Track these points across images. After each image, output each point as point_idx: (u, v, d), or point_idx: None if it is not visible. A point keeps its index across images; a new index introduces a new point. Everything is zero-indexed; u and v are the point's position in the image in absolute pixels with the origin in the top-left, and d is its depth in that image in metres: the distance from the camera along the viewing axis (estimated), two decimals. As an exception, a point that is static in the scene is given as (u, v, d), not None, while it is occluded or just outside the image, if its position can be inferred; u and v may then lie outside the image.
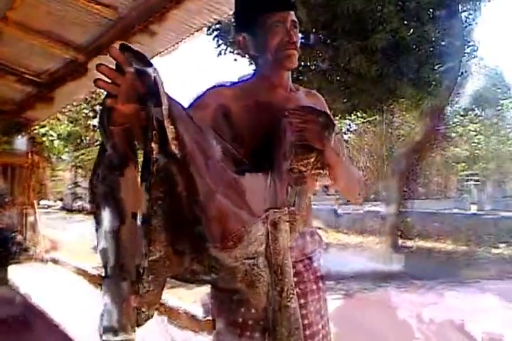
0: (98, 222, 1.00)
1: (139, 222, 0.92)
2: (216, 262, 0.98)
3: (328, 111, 1.46)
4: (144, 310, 0.95)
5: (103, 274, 0.99)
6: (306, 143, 1.25)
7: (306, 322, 1.28)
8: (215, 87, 1.38)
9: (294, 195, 1.27)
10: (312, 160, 1.29)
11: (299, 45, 1.37)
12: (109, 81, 0.99)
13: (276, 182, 1.14)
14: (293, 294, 1.11)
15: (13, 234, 6.44)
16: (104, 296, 0.97)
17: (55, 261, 7.56)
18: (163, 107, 0.93)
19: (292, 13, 1.37)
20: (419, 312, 4.57)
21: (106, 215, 0.98)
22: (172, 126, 0.93)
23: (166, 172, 0.93)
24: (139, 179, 0.95)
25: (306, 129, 1.24)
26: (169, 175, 0.93)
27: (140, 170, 0.95)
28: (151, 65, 0.96)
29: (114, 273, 0.97)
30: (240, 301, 1.10)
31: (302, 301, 1.30)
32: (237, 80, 1.45)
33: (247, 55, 1.48)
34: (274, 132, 1.22)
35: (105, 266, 0.99)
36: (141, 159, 0.98)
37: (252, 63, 1.40)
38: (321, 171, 1.35)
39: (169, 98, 0.98)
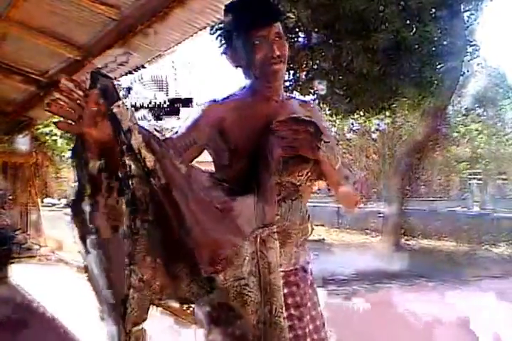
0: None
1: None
2: (208, 283, 1.03)
3: (323, 120, 1.50)
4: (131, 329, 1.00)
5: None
6: (297, 154, 1.26)
7: (300, 332, 1.31)
8: (208, 104, 1.40)
9: (287, 209, 1.29)
10: (305, 172, 1.30)
11: (286, 55, 1.36)
12: (66, 103, 0.97)
13: (263, 201, 1.15)
14: (281, 312, 1.12)
15: (15, 233, 6.46)
16: (107, 321, 1.02)
17: (58, 260, 7.57)
18: (137, 136, 0.96)
19: (276, 25, 1.35)
20: (421, 310, 4.57)
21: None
22: (150, 154, 0.97)
23: (152, 198, 0.97)
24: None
25: (295, 140, 1.24)
26: (155, 201, 0.97)
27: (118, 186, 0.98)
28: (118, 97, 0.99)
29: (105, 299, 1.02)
30: (236, 315, 1.11)
31: (298, 311, 1.33)
32: (229, 94, 1.46)
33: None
34: (260, 150, 1.22)
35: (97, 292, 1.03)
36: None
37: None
38: (315, 183, 1.36)
39: (144, 129, 1.01)
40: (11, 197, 7.91)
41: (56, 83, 5.99)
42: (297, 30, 8.35)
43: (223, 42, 1.43)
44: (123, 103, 0.98)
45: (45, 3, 4.47)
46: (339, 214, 13.64)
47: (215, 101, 1.41)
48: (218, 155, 1.38)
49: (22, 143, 8.51)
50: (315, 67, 8.82)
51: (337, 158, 1.31)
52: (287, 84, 9.47)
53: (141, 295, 1.00)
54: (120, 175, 0.98)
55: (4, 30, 5.07)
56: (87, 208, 1.02)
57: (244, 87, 1.44)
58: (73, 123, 0.99)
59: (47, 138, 16.72)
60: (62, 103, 0.97)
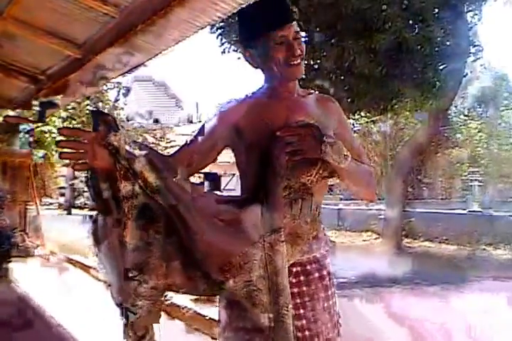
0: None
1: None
2: (220, 287, 1.14)
3: (342, 115, 1.51)
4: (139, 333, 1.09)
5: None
6: (303, 157, 1.29)
7: (312, 320, 1.37)
8: (225, 105, 1.47)
9: (298, 209, 1.32)
10: (315, 172, 1.33)
11: (304, 53, 1.41)
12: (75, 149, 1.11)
13: (271, 208, 1.21)
14: (287, 310, 1.18)
15: (13, 233, 6.43)
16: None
17: (57, 260, 7.54)
18: (139, 160, 1.08)
19: (293, 24, 1.40)
20: (423, 314, 4.53)
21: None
22: (153, 176, 1.08)
23: (161, 213, 1.08)
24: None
25: (300, 144, 1.27)
26: (164, 215, 1.09)
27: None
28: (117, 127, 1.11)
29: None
30: (248, 314, 1.18)
31: (308, 302, 1.38)
32: (247, 94, 1.51)
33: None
34: (266, 157, 1.27)
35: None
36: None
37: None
38: (329, 179, 1.39)
39: (150, 149, 1.12)
40: (9, 197, 7.89)
41: (56, 81, 5.98)
42: (299, 29, 8.32)
43: (242, 44, 1.50)
44: (120, 132, 1.09)
45: (45, 1, 4.44)
46: (340, 216, 13.61)
47: (232, 101, 1.47)
48: (238, 155, 1.46)
49: (20, 142, 8.50)
50: (316, 66, 8.78)
51: (345, 155, 1.31)
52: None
53: (152, 302, 1.09)
54: (126, 194, 1.09)
55: (4, 28, 5.05)
56: (101, 224, 1.13)
57: (262, 87, 1.50)
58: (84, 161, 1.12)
59: (46, 136, 16.72)
60: (72, 150, 1.11)
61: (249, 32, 1.43)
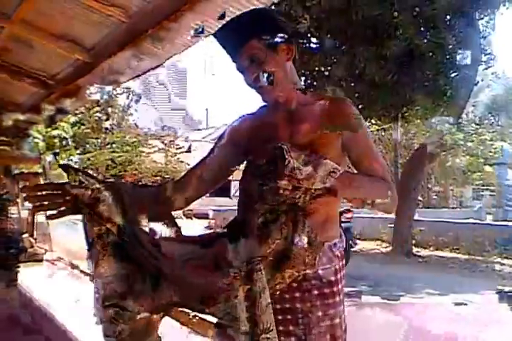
0: None
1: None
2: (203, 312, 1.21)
3: (355, 118, 1.42)
4: None
5: None
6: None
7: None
8: (234, 121, 1.52)
9: (289, 232, 1.26)
10: (300, 193, 1.25)
11: (267, 69, 1.38)
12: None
13: (246, 236, 1.21)
14: (269, 335, 1.17)
15: (21, 237, 6.41)
16: None
17: (64, 264, 7.54)
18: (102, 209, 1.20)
19: (243, 49, 1.39)
20: (431, 324, 4.45)
21: None
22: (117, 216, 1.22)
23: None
24: None
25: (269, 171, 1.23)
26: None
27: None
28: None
29: None
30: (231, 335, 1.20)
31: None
32: (257, 108, 1.55)
33: None
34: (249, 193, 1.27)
35: None
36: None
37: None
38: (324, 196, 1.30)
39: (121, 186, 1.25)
40: (18, 201, 7.90)
41: (65, 85, 5.99)
42: (310, 35, 8.32)
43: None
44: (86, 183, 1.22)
45: (54, 5, 4.45)
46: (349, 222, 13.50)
47: (240, 118, 1.52)
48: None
49: (29, 146, 8.55)
50: (327, 73, 8.76)
51: (331, 172, 1.22)
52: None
53: (133, 325, 1.18)
54: (96, 234, 1.24)
55: (13, 31, 5.07)
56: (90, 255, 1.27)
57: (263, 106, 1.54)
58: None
59: (55, 140, 16.86)
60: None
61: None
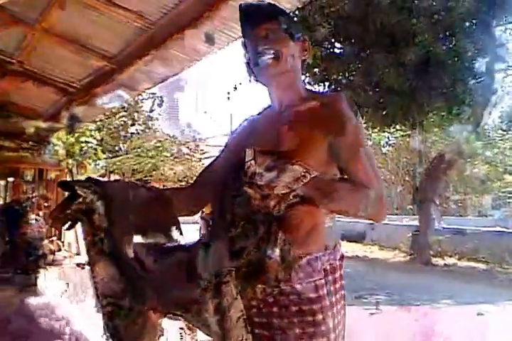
0: None
1: None
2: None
3: (346, 118, 1.33)
4: None
5: None
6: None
7: None
8: (243, 122, 1.53)
9: (263, 244, 1.19)
10: (273, 202, 1.19)
11: (279, 49, 1.38)
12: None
13: (214, 248, 1.19)
14: None
15: (40, 243, 6.47)
16: None
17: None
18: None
19: (267, 22, 1.40)
20: (452, 333, 4.37)
21: None
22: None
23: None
24: None
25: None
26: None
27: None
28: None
29: None
30: None
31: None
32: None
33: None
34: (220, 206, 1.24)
35: None
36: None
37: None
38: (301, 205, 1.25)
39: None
40: (46, 205, 8.00)
41: (87, 93, 6.07)
42: (329, 43, 8.35)
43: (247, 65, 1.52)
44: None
45: (77, 14, 4.54)
46: (370, 230, 13.40)
47: (244, 120, 1.55)
48: None
49: (53, 150, 8.67)
50: (346, 81, 8.77)
51: (300, 177, 1.16)
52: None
53: (130, 322, 1.27)
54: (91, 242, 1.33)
55: (36, 39, 5.17)
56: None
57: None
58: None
59: (82, 145, 17.03)
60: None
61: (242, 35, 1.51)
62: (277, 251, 1.20)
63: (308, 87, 9.46)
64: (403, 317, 5.13)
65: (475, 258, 10.32)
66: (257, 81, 1.48)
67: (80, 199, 1.27)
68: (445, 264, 9.84)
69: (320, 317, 1.27)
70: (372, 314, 4.34)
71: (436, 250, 10.55)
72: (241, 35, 1.52)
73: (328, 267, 1.34)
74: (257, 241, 1.19)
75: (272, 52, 1.36)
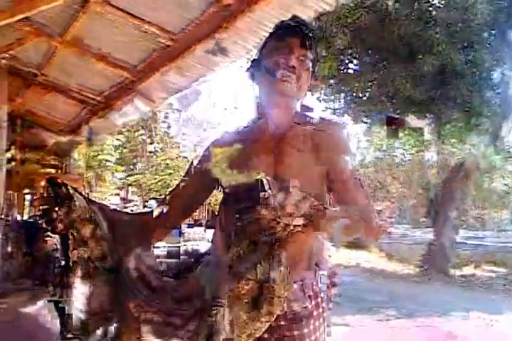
0: None
1: None
2: None
3: (342, 144, 1.40)
4: None
5: None
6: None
7: None
8: (213, 143, 1.47)
9: (265, 272, 1.20)
10: (279, 228, 1.21)
11: (299, 75, 1.38)
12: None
13: (219, 270, 1.18)
14: None
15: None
16: None
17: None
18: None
19: (304, 50, 1.40)
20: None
21: None
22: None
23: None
24: None
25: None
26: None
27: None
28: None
29: None
30: None
31: None
32: (238, 127, 1.50)
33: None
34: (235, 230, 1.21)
35: None
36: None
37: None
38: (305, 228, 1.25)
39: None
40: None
41: (108, 105, 6.17)
42: (345, 54, 8.39)
43: (251, 66, 1.50)
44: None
45: (99, 25, 4.65)
46: (387, 243, 13.27)
47: (223, 136, 1.48)
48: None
49: (73, 164, 8.77)
50: (360, 92, 8.78)
51: (301, 199, 1.19)
52: (336, 106, 9.46)
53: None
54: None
55: (59, 51, 5.30)
56: None
57: (253, 119, 1.48)
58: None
59: (100, 158, 17.23)
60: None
61: (267, 39, 1.48)
62: (280, 272, 1.21)
63: (321, 101, 9.58)
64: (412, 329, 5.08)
65: (495, 271, 10.14)
66: (255, 83, 1.47)
67: (81, 207, 1.17)
68: (462, 276, 9.68)
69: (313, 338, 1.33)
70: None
71: (453, 263, 10.39)
72: (258, 43, 1.52)
73: (311, 293, 1.37)
74: (258, 262, 1.20)
75: (295, 77, 1.37)
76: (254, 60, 1.49)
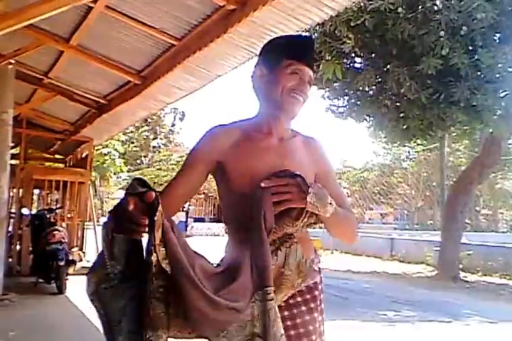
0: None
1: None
2: None
3: (327, 158, 1.50)
4: None
5: None
6: (288, 207, 1.26)
7: None
8: (210, 132, 1.42)
9: (283, 258, 1.32)
10: (300, 222, 1.31)
11: (307, 100, 1.43)
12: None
13: (259, 264, 1.19)
14: None
15: (71, 250, 6.59)
16: None
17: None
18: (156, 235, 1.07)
19: (312, 71, 1.44)
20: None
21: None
22: (163, 249, 1.08)
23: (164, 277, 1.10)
24: None
25: (286, 195, 1.25)
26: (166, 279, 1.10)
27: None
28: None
29: None
30: None
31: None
32: (235, 121, 1.49)
33: (254, 93, 1.50)
34: (253, 211, 1.24)
35: None
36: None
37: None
38: (315, 225, 1.38)
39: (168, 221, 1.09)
40: (69, 216, 8.16)
41: (114, 106, 6.22)
42: (353, 55, 8.36)
43: (259, 61, 1.47)
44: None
45: (107, 30, 4.69)
46: (392, 246, 13.21)
47: (218, 128, 1.43)
48: (220, 187, 1.43)
49: (78, 162, 8.85)
50: (371, 93, 8.74)
51: (329, 203, 1.30)
52: (341, 110, 9.44)
53: None
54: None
55: (66, 55, 5.35)
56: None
57: (253, 118, 1.47)
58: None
59: (106, 158, 17.39)
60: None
61: (273, 53, 1.45)
62: (295, 259, 1.34)
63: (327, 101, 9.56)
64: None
65: (506, 274, 10.05)
66: (255, 93, 1.47)
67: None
68: (473, 281, 9.59)
69: (321, 318, 1.42)
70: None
71: (464, 265, 10.29)
72: (267, 51, 1.48)
73: (318, 268, 1.46)
74: (277, 248, 1.31)
75: (305, 98, 1.41)
76: (262, 65, 1.45)
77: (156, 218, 1.03)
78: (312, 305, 1.40)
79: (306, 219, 1.32)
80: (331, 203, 1.29)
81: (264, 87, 1.43)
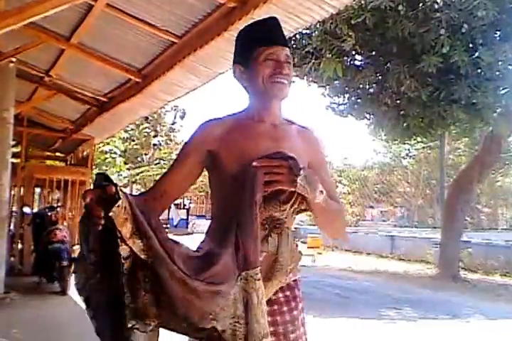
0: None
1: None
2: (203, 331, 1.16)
3: (321, 148, 1.50)
4: None
5: None
6: (277, 188, 1.26)
7: None
8: (203, 124, 1.43)
9: (275, 244, 1.33)
10: (289, 206, 1.33)
11: (291, 79, 1.42)
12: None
13: (245, 243, 1.20)
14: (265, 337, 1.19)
15: (72, 248, 6.59)
16: None
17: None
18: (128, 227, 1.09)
19: (287, 49, 1.42)
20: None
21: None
22: (139, 241, 1.10)
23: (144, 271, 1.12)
24: None
25: (277, 175, 1.25)
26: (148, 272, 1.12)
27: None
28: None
29: None
30: None
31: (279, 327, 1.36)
32: (227, 114, 1.49)
33: (242, 86, 1.49)
34: (242, 188, 1.24)
35: None
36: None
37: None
38: (305, 212, 1.39)
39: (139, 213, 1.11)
40: (70, 214, 8.16)
41: (114, 104, 6.21)
42: (354, 53, 8.35)
43: (234, 59, 1.47)
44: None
45: (107, 29, 4.70)
46: (392, 243, 13.22)
47: (210, 120, 1.43)
48: (212, 178, 1.42)
49: (78, 160, 8.85)
50: (371, 90, 8.74)
51: (320, 191, 1.30)
52: (342, 108, 9.45)
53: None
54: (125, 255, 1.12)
55: (67, 54, 5.35)
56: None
57: (245, 109, 1.48)
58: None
59: (106, 156, 17.39)
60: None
61: (242, 46, 1.45)
62: (287, 244, 1.35)
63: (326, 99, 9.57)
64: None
65: (506, 273, 10.04)
66: (244, 87, 1.46)
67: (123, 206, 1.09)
68: (474, 279, 9.58)
69: (302, 316, 1.43)
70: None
71: (464, 264, 10.29)
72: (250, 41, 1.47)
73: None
74: (268, 235, 1.32)
75: (287, 78, 1.39)
76: (238, 62, 1.44)
77: (114, 210, 1.05)
78: (293, 305, 1.40)
79: (296, 205, 1.34)
80: (322, 191, 1.30)
81: (248, 84, 1.43)
